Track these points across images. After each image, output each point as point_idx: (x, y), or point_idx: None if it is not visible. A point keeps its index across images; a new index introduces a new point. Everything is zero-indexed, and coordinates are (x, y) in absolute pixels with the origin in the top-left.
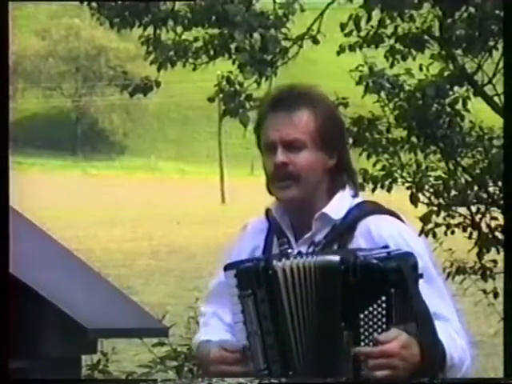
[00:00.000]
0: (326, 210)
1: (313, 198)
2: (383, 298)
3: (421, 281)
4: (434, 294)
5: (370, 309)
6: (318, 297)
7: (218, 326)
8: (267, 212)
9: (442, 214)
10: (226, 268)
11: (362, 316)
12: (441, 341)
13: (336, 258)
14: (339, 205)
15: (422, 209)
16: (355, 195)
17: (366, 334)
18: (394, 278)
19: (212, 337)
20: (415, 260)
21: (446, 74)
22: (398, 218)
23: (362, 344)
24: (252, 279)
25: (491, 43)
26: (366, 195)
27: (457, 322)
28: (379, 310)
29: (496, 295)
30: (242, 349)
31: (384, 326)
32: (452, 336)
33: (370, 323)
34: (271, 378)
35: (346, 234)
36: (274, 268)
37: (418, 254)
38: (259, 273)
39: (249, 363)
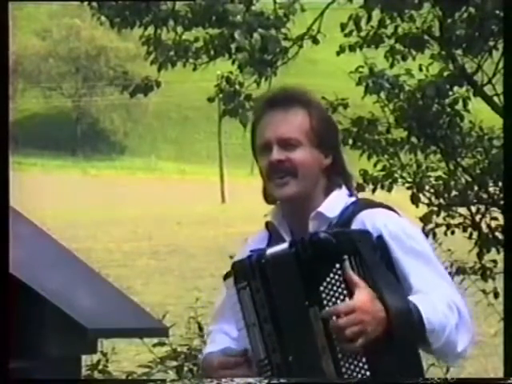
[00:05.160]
0: (320, 208)
1: (310, 197)
2: (337, 266)
3: (417, 261)
4: (433, 272)
5: (328, 279)
6: (290, 282)
7: (224, 339)
8: (267, 224)
9: (443, 214)
10: (225, 277)
11: (321, 288)
12: (414, 304)
13: (285, 244)
14: (334, 203)
15: (423, 209)
16: (351, 195)
17: (330, 304)
18: (346, 247)
19: (217, 349)
20: (370, 231)
21: (445, 74)
22: (393, 210)
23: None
24: (246, 271)
25: (491, 43)
26: (366, 195)
27: (456, 296)
28: (336, 277)
29: (496, 295)
30: (244, 352)
31: (345, 292)
32: (434, 303)
33: (331, 293)
34: (272, 368)
35: None
36: (267, 256)
37: (414, 238)
38: (252, 263)
39: (251, 366)
